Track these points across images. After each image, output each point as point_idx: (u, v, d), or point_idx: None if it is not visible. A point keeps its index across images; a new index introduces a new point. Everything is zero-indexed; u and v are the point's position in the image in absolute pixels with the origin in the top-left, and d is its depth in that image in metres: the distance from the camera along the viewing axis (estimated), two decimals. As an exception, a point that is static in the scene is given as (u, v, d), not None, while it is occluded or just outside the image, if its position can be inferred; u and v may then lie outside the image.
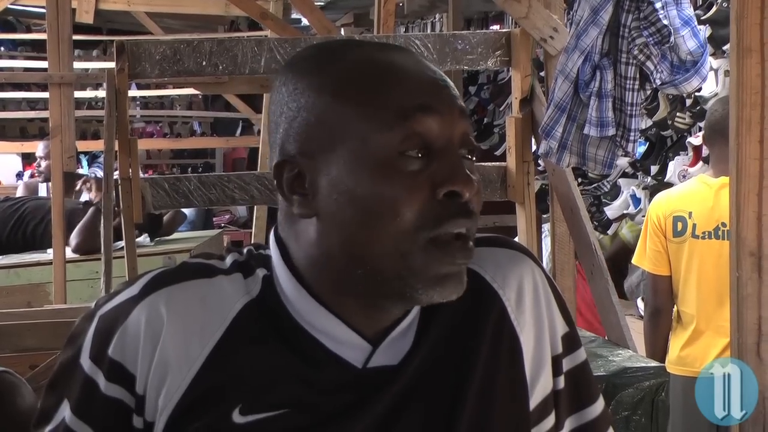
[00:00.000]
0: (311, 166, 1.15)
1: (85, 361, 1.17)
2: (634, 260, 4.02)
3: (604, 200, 6.07)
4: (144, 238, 6.20)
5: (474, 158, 1.17)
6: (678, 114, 5.18)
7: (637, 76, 3.36)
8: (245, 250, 1.24)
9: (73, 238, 5.86)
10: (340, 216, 1.13)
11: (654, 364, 3.48)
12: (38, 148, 7.36)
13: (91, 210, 5.80)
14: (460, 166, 1.12)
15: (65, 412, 1.18)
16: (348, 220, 1.12)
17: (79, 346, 1.19)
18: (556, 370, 1.29)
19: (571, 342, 1.31)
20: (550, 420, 1.28)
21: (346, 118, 1.13)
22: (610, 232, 6.18)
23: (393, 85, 1.14)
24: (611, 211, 5.97)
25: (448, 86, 1.17)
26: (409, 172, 1.11)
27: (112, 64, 3.90)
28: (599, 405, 1.34)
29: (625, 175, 5.96)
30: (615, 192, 6.01)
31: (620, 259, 5.79)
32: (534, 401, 1.26)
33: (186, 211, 9.10)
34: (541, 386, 1.27)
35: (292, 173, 1.16)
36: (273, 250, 1.21)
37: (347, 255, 1.14)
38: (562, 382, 1.29)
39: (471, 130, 1.17)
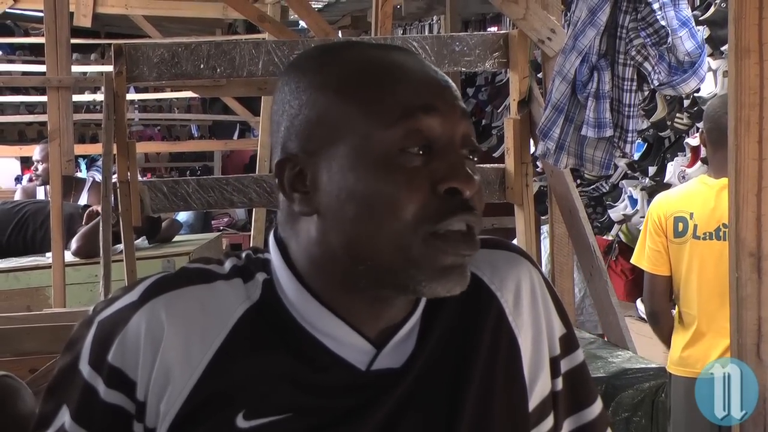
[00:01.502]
0: (312, 163, 1.15)
1: (84, 367, 1.17)
2: (632, 260, 4.02)
3: (607, 202, 6.07)
4: (142, 241, 6.19)
5: (476, 159, 1.18)
6: (677, 115, 5.18)
7: (635, 77, 3.36)
8: (243, 255, 1.24)
9: (74, 242, 5.87)
10: (341, 212, 1.13)
11: (653, 365, 3.48)
12: (35, 151, 7.36)
13: (99, 218, 5.79)
14: (461, 164, 1.13)
15: (64, 417, 1.17)
16: (349, 216, 1.12)
17: (78, 351, 1.18)
18: (554, 372, 1.29)
19: (568, 343, 1.31)
20: (549, 421, 1.28)
21: (348, 115, 1.13)
22: (612, 233, 6.18)
23: (396, 83, 1.14)
24: (614, 213, 5.97)
25: (450, 87, 1.18)
26: (409, 168, 1.11)
27: (110, 68, 3.90)
28: (597, 406, 1.34)
29: (626, 176, 5.96)
30: (618, 194, 6.01)
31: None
32: (533, 403, 1.26)
33: (185, 214, 9.13)
34: (539, 388, 1.27)
35: (293, 171, 1.16)
36: (273, 253, 1.21)
37: (349, 251, 1.14)
38: (560, 383, 1.29)
39: (473, 131, 1.18)
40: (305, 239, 1.17)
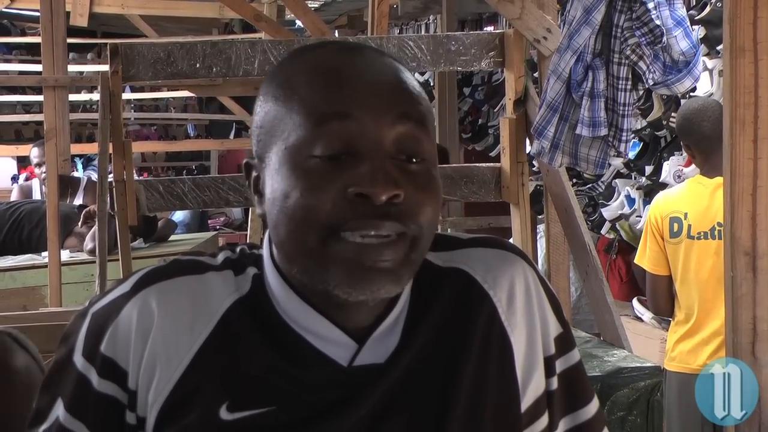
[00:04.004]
0: (261, 167, 1.18)
1: (78, 359, 1.18)
2: (636, 259, 4.05)
3: (600, 201, 6.07)
4: (139, 242, 6.19)
5: (417, 161, 1.15)
6: (673, 114, 5.17)
7: (630, 76, 3.37)
8: (238, 249, 1.26)
9: (89, 242, 5.88)
10: (270, 216, 1.16)
11: (649, 364, 3.48)
12: (32, 153, 7.30)
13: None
14: (377, 169, 1.11)
15: (59, 410, 1.18)
16: (273, 219, 1.15)
17: (72, 344, 1.20)
18: (549, 371, 1.28)
19: (564, 343, 1.31)
20: (543, 421, 1.27)
21: (279, 121, 1.15)
22: (603, 231, 6.18)
23: (321, 88, 1.14)
24: (608, 212, 5.97)
25: (385, 90, 1.15)
26: (318, 174, 1.11)
27: (106, 67, 3.90)
28: (593, 406, 1.33)
29: (620, 175, 5.96)
30: (610, 193, 6.01)
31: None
32: (526, 402, 1.25)
33: (181, 213, 9.13)
34: (533, 387, 1.26)
35: (255, 174, 1.21)
36: (264, 248, 1.22)
37: (282, 254, 1.17)
38: (555, 383, 1.29)
39: (417, 134, 1.15)
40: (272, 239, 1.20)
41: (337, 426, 1.15)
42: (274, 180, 1.14)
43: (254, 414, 1.15)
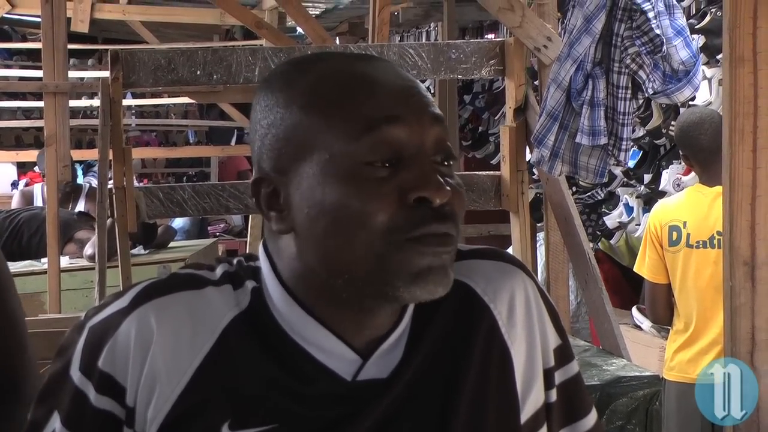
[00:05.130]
0: (284, 181, 1.15)
1: (75, 373, 1.17)
2: (635, 268, 4.04)
3: (605, 210, 6.07)
4: (138, 249, 6.19)
5: (450, 164, 1.16)
6: (673, 123, 5.17)
7: (630, 85, 3.37)
8: (235, 261, 1.24)
9: (89, 248, 5.88)
10: (313, 229, 1.13)
11: (648, 373, 3.49)
12: (41, 162, 7.33)
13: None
14: (430, 172, 1.12)
15: (55, 424, 1.17)
16: (321, 232, 1.12)
17: (69, 357, 1.18)
18: (548, 383, 1.28)
19: (563, 355, 1.30)
20: None
21: (313, 131, 1.13)
22: (613, 241, 6.18)
23: (359, 95, 1.14)
24: (609, 220, 5.98)
25: (417, 93, 1.16)
26: (376, 180, 1.10)
27: (106, 73, 3.90)
28: (592, 417, 1.33)
29: (624, 184, 5.96)
30: (615, 201, 6.01)
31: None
32: (525, 414, 1.25)
33: (181, 220, 9.13)
34: (532, 399, 1.26)
35: (268, 190, 1.17)
36: (263, 262, 1.21)
37: (326, 267, 1.14)
38: (554, 394, 1.29)
39: (447, 136, 1.16)
40: (286, 255, 1.17)
41: None
42: (315, 192, 1.12)
43: None
